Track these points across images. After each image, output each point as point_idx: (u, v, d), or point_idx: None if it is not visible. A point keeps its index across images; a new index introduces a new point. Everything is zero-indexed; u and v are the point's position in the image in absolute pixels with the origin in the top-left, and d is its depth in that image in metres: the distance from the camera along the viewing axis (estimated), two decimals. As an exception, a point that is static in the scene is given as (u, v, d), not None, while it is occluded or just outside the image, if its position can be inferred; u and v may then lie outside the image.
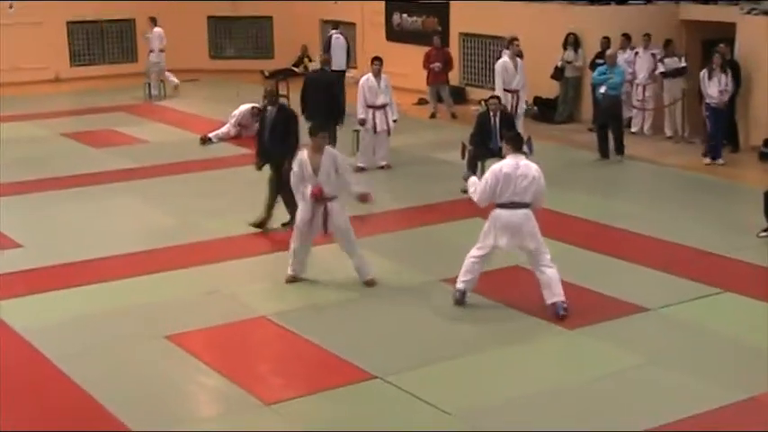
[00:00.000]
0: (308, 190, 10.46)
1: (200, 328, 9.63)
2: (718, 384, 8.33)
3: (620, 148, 16.28)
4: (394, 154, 16.22)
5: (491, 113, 14.61)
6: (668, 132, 17.93)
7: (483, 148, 14.50)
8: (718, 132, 15.97)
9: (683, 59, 17.71)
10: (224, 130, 18.14)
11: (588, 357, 8.99)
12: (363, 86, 15.71)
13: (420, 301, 10.09)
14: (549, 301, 9.68)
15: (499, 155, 14.57)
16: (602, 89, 16.17)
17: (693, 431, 7.57)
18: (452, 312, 9.86)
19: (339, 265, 10.84)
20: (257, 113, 18.28)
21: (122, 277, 11.01)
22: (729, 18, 17.33)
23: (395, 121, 15.86)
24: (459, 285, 10.01)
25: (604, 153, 16.32)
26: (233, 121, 18.15)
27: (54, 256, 11.61)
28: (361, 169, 15.19)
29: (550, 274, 9.70)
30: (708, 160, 15.88)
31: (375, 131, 15.68)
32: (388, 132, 15.82)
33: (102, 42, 25.54)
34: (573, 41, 18.99)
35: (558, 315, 9.58)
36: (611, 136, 16.24)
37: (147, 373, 8.71)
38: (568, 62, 19.02)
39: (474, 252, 9.94)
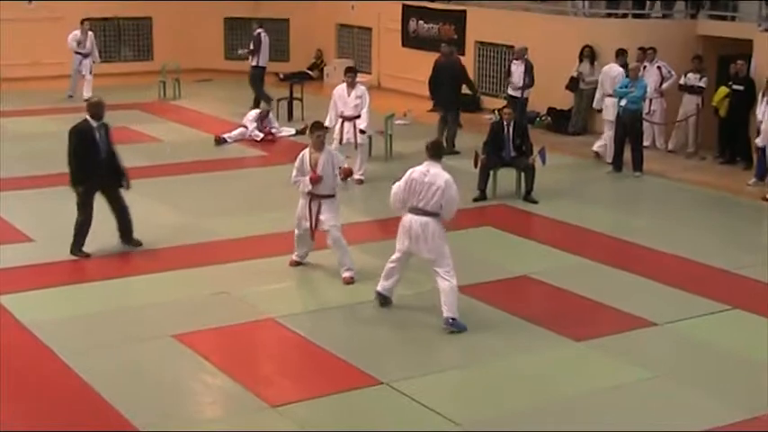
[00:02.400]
0: (306, 179, 10.72)
1: (208, 328, 9.63)
2: (724, 402, 8.30)
3: (638, 165, 16.14)
4: (403, 160, 16.13)
5: (504, 122, 14.61)
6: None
7: (495, 156, 14.53)
8: None
9: (704, 79, 17.56)
10: (238, 131, 18.18)
11: (595, 370, 8.96)
12: (335, 95, 15.22)
13: (430, 308, 10.04)
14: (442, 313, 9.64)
15: (512, 164, 14.66)
16: (623, 102, 16.09)
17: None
18: (461, 321, 9.83)
19: (348, 270, 10.86)
20: (265, 116, 18.43)
21: (131, 275, 11.06)
22: (747, 35, 17.30)
23: (362, 131, 15.02)
24: (378, 288, 10.11)
25: (618, 167, 16.26)
26: (251, 126, 18.22)
27: (64, 251, 11.61)
28: (360, 182, 14.97)
29: (444, 287, 9.59)
30: (754, 180, 15.47)
31: (341, 142, 14.86)
32: (356, 145, 15.00)
33: (118, 40, 25.62)
34: (589, 54, 18.90)
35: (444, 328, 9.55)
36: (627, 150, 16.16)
37: (154, 372, 8.72)
38: (581, 73, 18.88)
39: (392, 257, 10.01)
